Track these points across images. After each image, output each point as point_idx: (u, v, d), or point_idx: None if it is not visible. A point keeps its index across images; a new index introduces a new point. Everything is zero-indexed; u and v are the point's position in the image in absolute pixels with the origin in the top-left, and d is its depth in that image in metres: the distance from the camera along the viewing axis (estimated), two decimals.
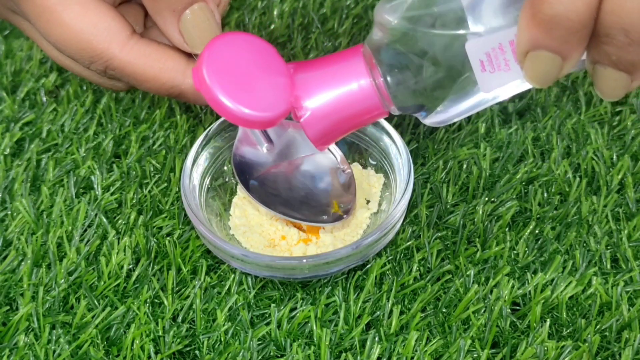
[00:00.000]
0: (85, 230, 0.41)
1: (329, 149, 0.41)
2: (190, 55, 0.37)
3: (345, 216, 0.39)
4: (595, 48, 0.29)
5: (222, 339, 0.36)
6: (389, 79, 0.33)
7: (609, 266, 0.39)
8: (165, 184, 0.43)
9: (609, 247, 0.40)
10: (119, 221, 0.41)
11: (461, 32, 0.31)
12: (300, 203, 0.39)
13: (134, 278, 0.38)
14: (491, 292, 0.37)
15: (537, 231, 0.40)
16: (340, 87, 0.34)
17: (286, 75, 0.35)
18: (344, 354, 0.35)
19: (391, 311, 0.36)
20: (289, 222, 0.40)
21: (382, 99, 0.34)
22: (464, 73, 0.32)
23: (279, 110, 0.34)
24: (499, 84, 0.32)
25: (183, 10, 0.35)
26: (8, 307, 0.37)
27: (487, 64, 0.31)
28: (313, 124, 0.35)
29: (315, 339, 0.36)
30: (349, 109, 0.35)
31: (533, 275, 0.38)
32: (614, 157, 0.44)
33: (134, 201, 0.42)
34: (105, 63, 0.36)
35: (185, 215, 0.41)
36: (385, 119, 0.41)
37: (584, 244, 0.40)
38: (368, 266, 0.38)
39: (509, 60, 0.31)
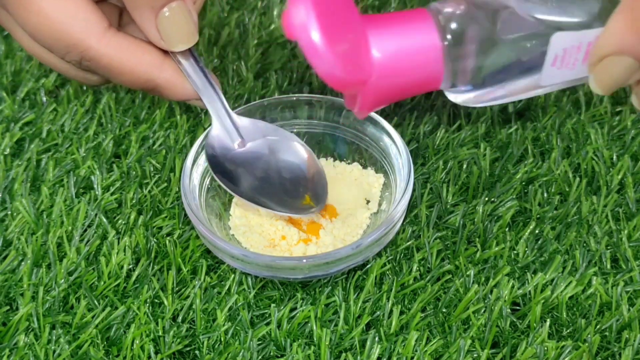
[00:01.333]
0: (85, 230, 0.41)
1: (300, 146, 0.41)
2: (166, 52, 0.37)
3: (317, 208, 0.39)
4: None
5: (222, 339, 0.36)
6: (457, 47, 0.32)
7: (609, 266, 0.39)
8: (165, 184, 0.43)
9: (609, 247, 0.40)
10: (119, 221, 0.41)
11: (547, 17, 0.31)
12: (272, 193, 0.40)
13: (134, 278, 0.38)
14: (491, 292, 0.37)
15: (537, 231, 0.40)
16: (410, 53, 0.32)
17: (363, 31, 0.32)
18: (344, 354, 0.35)
19: (391, 311, 0.36)
20: (289, 222, 0.40)
21: (445, 68, 0.33)
22: (530, 59, 0.32)
23: (363, 75, 0.32)
24: (558, 79, 0.32)
25: (161, 8, 0.35)
26: (8, 307, 0.37)
27: (560, 59, 0.31)
28: (376, 91, 0.33)
29: (315, 339, 0.36)
30: (412, 77, 0.33)
31: (533, 275, 0.38)
32: (614, 157, 0.44)
33: (134, 201, 0.42)
34: (82, 54, 0.37)
35: (185, 215, 0.41)
36: (385, 118, 0.41)
37: (584, 244, 0.40)
38: (368, 266, 0.38)
39: (577, 61, 0.31)
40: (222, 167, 0.39)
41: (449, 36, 0.32)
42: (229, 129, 0.40)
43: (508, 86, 0.33)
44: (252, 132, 0.40)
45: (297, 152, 0.41)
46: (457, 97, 0.34)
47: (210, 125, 0.40)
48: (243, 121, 0.40)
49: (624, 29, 0.29)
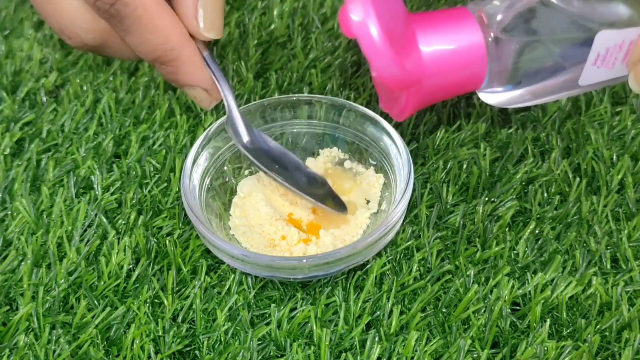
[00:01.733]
0: (85, 230, 0.41)
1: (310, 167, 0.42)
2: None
3: (338, 212, 0.40)
4: None
5: (222, 339, 0.36)
6: (502, 46, 0.32)
7: (609, 266, 0.39)
8: (165, 184, 0.43)
9: (609, 247, 0.40)
10: (119, 221, 0.41)
11: (593, 19, 0.31)
12: (296, 179, 0.40)
13: (134, 278, 0.38)
14: (491, 292, 0.37)
15: (537, 231, 0.40)
16: (457, 55, 0.32)
17: (413, 29, 0.32)
18: (344, 354, 0.35)
19: (391, 311, 0.36)
20: (289, 222, 0.40)
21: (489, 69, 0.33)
22: (571, 58, 0.32)
23: (415, 77, 0.32)
24: (596, 79, 0.32)
25: None
26: (8, 307, 0.37)
27: (601, 58, 0.31)
28: (421, 94, 0.33)
29: (315, 339, 0.36)
30: (458, 77, 0.33)
31: (533, 275, 0.38)
32: (614, 157, 0.44)
33: (134, 201, 0.42)
34: None
35: (185, 215, 0.41)
36: (385, 118, 0.41)
37: (584, 244, 0.40)
38: (368, 266, 0.38)
39: (617, 60, 0.31)
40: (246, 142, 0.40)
41: (492, 35, 0.32)
42: (241, 125, 0.40)
43: (544, 86, 0.33)
44: (260, 138, 0.40)
45: (307, 167, 0.42)
46: (491, 97, 0.34)
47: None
48: (251, 128, 0.40)
49: None
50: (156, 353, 0.35)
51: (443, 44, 0.32)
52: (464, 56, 0.32)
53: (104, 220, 0.40)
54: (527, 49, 0.32)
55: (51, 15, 0.38)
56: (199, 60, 0.38)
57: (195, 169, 0.40)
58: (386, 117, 0.42)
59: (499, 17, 0.32)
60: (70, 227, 0.40)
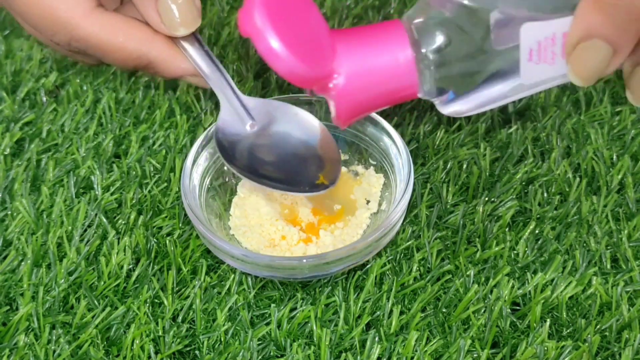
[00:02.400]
0: (85, 230, 0.41)
1: (313, 122, 0.40)
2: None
3: (330, 185, 0.39)
4: None
5: (222, 339, 0.36)
6: (430, 55, 0.32)
7: (609, 266, 0.39)
8: (165, 184, 0.43)
9: (609, 247, 0.40)
10: (119, 221, 0.41)
11: (521, 14, 0.30)
12: (284, 175, 0.39)
13: (134, 278, 0.38)
14: (491, 292, 0.37)
15: (537, 231, 0.40)
16: (381, 60, 0.33)
17: (329, 37, 0.33)
18: (344, 354, 0.35)
19: (391, 311, 0.36)
20: (289, 222, 0.40)
21: (419, 77, 0.33)
22: (507, 59, 0.31)
23: (322, 71, 0.32)
24: (539, 76, 0.31)
25: None
26: (8, 307, 0.37)
27: (535, 53, 0.30)
28: (346, 97, 0.33)
29: (315, 339, 0.36)
30: (385, 84, 0.33)
31: (533, 275, 0.38)
32: (614, 157, 0.44)
33: (134, 201, 0.42)
34: (70, 34, 0.36)
35: (185, 215, 0.41)
36: (385, 118, 0.41)
37: (584, 244, 0.40)
38: (368, 266, 0.38)
39: (556, 55, 0.30)
40: (231, 150, 0.39)
41: (421, 45, 0.32)
42: (239, 111, 0.39)
43: (493, 90, 0.33)
44: (263, 112, 0.40)
45: (309, 129, 0.40)
46: (445, 108, 0.34)
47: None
48: (253, 102, 0.39)
49: (589, 9, 0.27)
50: (156, 353, 0.35)
51: (364, 53, 0.33)
52: (389, 65, 0.33)
53: (104, 220, 0.40)
54: (461, 55, 0.32)
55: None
56: (173, 53, 0.38)
57: (195, 169, 0.40)
58: (386, 117, 0.42)
59: (428, 27, 0.32)
60: (70, 227, 0.40)
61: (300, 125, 0.40)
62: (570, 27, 0.29)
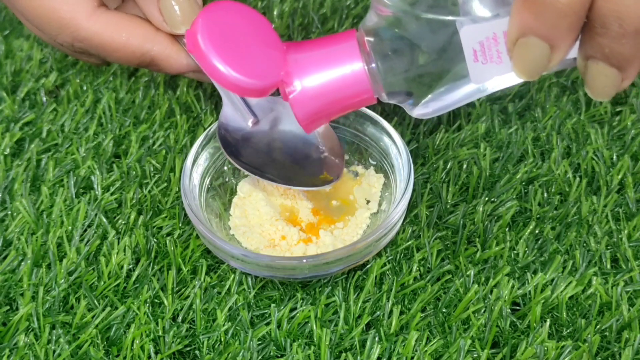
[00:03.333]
0: (85, 230, 0.41)
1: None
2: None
3: (335, 180, 0.39)
4: (589, 41, 0.28)
5: (222, 339, 0.36)
6: (380, 64, 0.33)
7: (609, 266, 0.39)
8: (165, 184, 0.43)
9: (609, 247, 0.40)
10: (119, 221, 0.41)
11: (454, 18, 0.31)
12: (288, 171, 0.39)
13: (134, 278, 0.38)
14: (491, 292, 0.37)
15: (537, 231, 0.40)
16: (332, 68, 0.34)
17: (280, 51, 0.35)
18: (344, 354, 0.35)
19: (391, 311, 0.36)
20: (289, 222, 0.40)
21: (373, 84, 0.34)
22: (456, 62, 0.32)
23: (271, 80, 0.34)
24: (490, 76, 0.32)
25: None
26: (8, 307, 0.37)
27: (480, 54, 0.31)
28: (302, 103, 0.34)
29: (315, 339, 0.36)
30: (339, 92, 0.34)
31: (533, 275, 0.38)
32: (614, 157, 0.44)
33: (134, 201, 0.42)
34: (72, 34, 0.36)
35: (185, 215, 0.41)
36: (385, 118, 0.41)
37: (584, 244, 0.40)
38: (368, 266, 0.38)
39: (501, 53, 0.31)
40: (234, 147, 0.39)
41: (371, 55, 0.33)
42: (241, 107, 0.39)
43: (451, 95, 0.33)
44: (264, 109, 0.40)
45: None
46: (412, 110, 0.35)
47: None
48: (254, 99, 0.40)
49: (521, 8, 0.28)
50: (156, 353, 0.35)
51: (314, 55, 0.34)
52: (340, 79, 0.34)
53: (104, 220, 0.40)
54: (410, 61, 0.33)
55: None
56: (175, 50, 0.38)
57: (195, 169, 0.40)
58: (386, 117, 0.42)
59: (377, 34, 0.33)
60: (70, 227, 0.40)
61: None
62: (508, 25, 0.29)
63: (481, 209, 0.41)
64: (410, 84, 0.33)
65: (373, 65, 0.34)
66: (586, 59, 0.29)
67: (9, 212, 0.41)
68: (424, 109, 0.34)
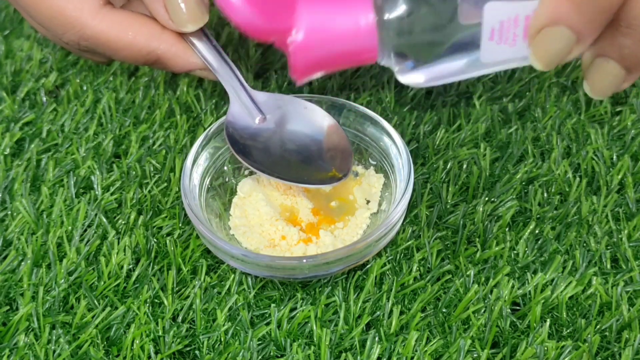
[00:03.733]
0: (85, 230, 0.41)
1: (322, 116, 0.40)
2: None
3: (343, 177, 0.39)
4: (610, 38, 0.28)
5: (222, 339, 0.36)
6: (393, 23, 0.32)
7: (609, 266, 0.39)
8: (165, 184, 0.43)
9: (609, 247, 0.40)
10: (119, 221, 0.41)
11: None
12: (296, 169, 0.39)
13: (134, 278, 0.38)
14: (491, 292, 0.37)
15: (537, 231, 0.40)
16: (342, 18, 0.33)
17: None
18: (344, 354, 0.35)
19: (391, 311, 0.36)
20: (289, 222, 0.40)
21: (380, 41, 0.33)
22: (471, 31, 0.31)
23: (284, 24, 0.33)
24: (500, 57, 0.31)
25: None
26: (8, 307, 0.37)
27: (497, 33, 0.30)
28: (303, 51, 0.33)
29: (315, 339, 0.36)
30: (344, 44, 0.33)
31: (533, 275, 0.38)
32: (614, 157, 0.44)
33: (134, 201, 0.42)
34: (78, 33, 0.36)
35: (185, 215, 0.41)
36: (385, 118, 0.41)
37: (584, 244, 0.40)
38: (368, 266, 0.38)
39: (517, 36, 0.30)
40: (242, 144, 0.39)
41: (384, 10, 0.32)
42: (248, 105, 0.39)
43: (452, 64, 0.33)
44: (272, 107, 0.40)
45: (318, 123, 0.40)
46: (403, 76, 0.34)
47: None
48: (262, 96, 0.40)
49: None
50: (156, 353, 0.35)
51: (325, 8, 0.33)
52: (349, 23, 0.33)
53: (104, 220, 0.40)
54: (424, 23, 0.32)
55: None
56: (181, 48, 0.38)
57: (195, 169, 0.40)
58: (386, 117, 0.42)
59: None
60: (70, 227, 0.40)
61: (310, 118, 0.40)
62: (536, 10, 0.29)
63: (481, 209, 0.41)
64: (416, 47, 0.32)
65: (384, 20, 0.32)
66: (596, 55, 0.29)
67: (9, 212, 0.41)
68: (418, 76, 0.33)
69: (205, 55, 0.38)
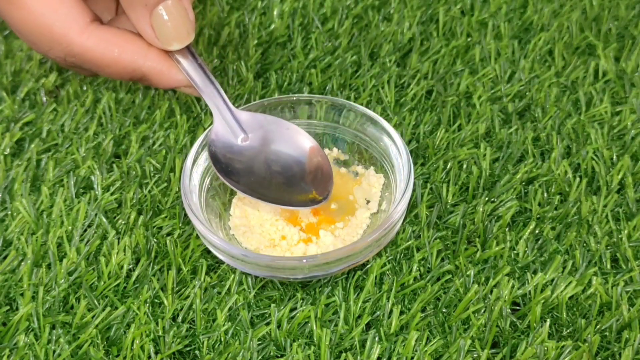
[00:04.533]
0: (85, 230, 0.41)
1: (303, 138, 0.41)
2: None
3: (323, 200, 0.39)
4: None
5: (222, 339, 0.36)
6: None
7: (609, 266, 0.39)
8: (165, 184, 0.43)
9: (609, 247, 0.40)
10: (119, 221, 0.41)
11: None
12: (277, 189, 0.39)
13: (134, 278, 0.38)
14: (491, 292, 0.37)
15: (537, 231, 0.40)
16: None
17: None
18: (344, 354, 0.35)
19: (391, 311, 0.36)
20: (289, 222, 0.40)
21: None
22: None
23: None
24: None
25: (156, 5, 0.35)
26: (8, 307, 0.37)
27: None
28: None
29: (315, 339, 0.36)
30: None
31: (533, 275, 0.38)
32: (614, 157, 0.44)
33: (134, 201, 0.42)
34: (65, 50, 0.36)
35: (185, 215, 0.41)
36: (385, 118, 0.41)
37: (584, 244, 0.40)
38: (368, 266, 0.38)
39: None
40: (224, 164, 0.39)
41: None
42: (231, 124, 0.39)
43: None
44: (254, 126, 0.40)
45: (300, 144, 0.41)
46: None
47: (211, 123, 0.39)
48: (245, 115, 0.40)
49: None
50: (156, 353, 0.35)
51: None
52: None
53: (104, 220, 0.40)
54: None
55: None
56: (167, 66, 0.38)
57: (195, 169, 0.40)
58: (386, 117, 0.42)
59: None
60: (70, 227, 0.40)
61: (293, 139, 0.41)
62: None
63: (481, 209, 0.41)
64: None
65: None
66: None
67: (9, 212, 0.41)
68: None
69: (190, 73, 0.38)
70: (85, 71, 0.40)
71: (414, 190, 0.42)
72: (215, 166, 0.39)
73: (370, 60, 0.51)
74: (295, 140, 0.41)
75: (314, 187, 0.40)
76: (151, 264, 0.39)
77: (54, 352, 0.35)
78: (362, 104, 0.45)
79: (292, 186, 0.40)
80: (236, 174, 0.39)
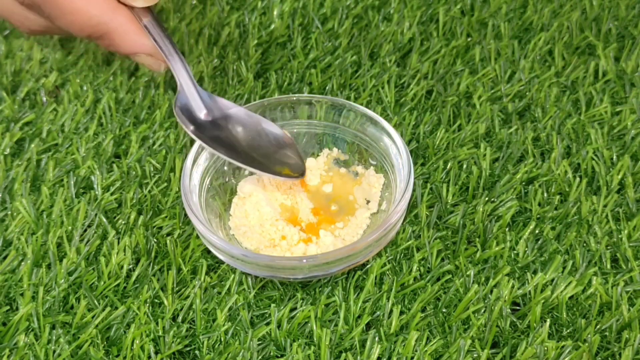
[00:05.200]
0: (85, 230, 0.41)
1: (266, 122, 0.41)
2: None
3: (300, 176, 0.40)
4: None
5: (222, 339, 0.36)
6: None
7: (609, 266, 0.39)
8: (165, 184, 0.43)
9: (609, 247, 0.40)
10: (119, 221, 0.41)
11: None
12: (246, 157, 0.39)
13: (134, 278, 0.38)
14: (491, 292, 0.37)
15: (537, 231, 0.40)
16: None
17: None
18: (344, 354, 0.35)
19: (391, 311, 0.36)
20: (289, 222, 0.40)
21: None
22: None
23: None
24: None
25: None
26: (8, 307, 0.37)
27: None
28: None
29: (315, 339, 0.36)
30: None
31: (533, 275, 0.38)
32: (614, 157, 0.44)
33: (134, 201, 0.42)
34: None
35: (185, 215, 0.41)
36: (385, 118, 0.41)
37: (584, 244, 0.40)
38: (368, 266, 0.38)
39: None
40: (192, 124, 0.39)
41: None
42: (195, 97, 0.39)
43: None
44: (218, 107, 0.40)
45: (259, 122, 0.41)
46: None
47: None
48: (206, 95, 0.40)
49: None
50: (156, 353, 0.35)
51: None
52: None
53: (104, 220, 0.40)
54: None
55: None
56: (134, 28, 0.37)
57: (195, 169, 0.40)
58: (386, 117, 0.42)
59: None
60: (70, 227, 0.40)
61: (253, 120, 0.41)
62: None
63: (481, 209, 0.41)
64: None
65: None
66: None
67: (9, 212, 0.41)
68: None
69: (157, 40, 0.38)
70: (39, 21, 0.39)
71: (414, 190, 0.42)
72: (181, 122, 0.39)
73: (370, 60, 0.51)
74: (256, 119, 0.41)
75: (285, 164, 0.40)
76: (151, 264, 0.39)
77: (54, 352, 0.35)
78: (362, 104, 0.45)
79: (263, 157, 0.40)
80: (205, 134, 0.39)
